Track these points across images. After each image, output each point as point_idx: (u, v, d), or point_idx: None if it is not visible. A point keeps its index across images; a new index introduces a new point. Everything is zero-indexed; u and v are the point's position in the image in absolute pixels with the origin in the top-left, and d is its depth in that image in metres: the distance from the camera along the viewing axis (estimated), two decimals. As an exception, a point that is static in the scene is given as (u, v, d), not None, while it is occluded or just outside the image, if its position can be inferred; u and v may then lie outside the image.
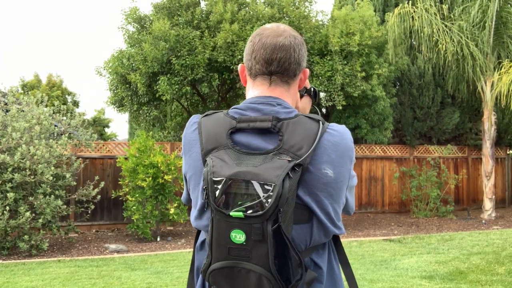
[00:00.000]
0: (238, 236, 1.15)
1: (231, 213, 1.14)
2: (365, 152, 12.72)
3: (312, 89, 1.56)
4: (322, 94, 10.74)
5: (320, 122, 1.26)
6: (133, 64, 10.43)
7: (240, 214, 1.13)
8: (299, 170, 1.18)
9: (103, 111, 28.05)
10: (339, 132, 1.29)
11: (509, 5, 11.27)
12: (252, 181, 1.13)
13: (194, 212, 1.34)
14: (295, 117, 1.27)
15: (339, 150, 1.27)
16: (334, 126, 1.30)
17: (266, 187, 1.12)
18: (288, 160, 1.18)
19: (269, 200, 1.11)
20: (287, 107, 1.32)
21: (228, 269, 1.18)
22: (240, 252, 1.16)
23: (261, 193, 1.12)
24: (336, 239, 1.39)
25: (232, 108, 1.35)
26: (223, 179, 1.15)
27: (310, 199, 1.23)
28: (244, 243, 1.14)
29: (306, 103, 1.53)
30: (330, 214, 1.26)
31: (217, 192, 1.16)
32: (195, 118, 1.38)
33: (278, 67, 1.33)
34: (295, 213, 1.18)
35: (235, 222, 1.14)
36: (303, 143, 1.21)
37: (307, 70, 1.43)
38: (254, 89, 1.38)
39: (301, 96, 1.53)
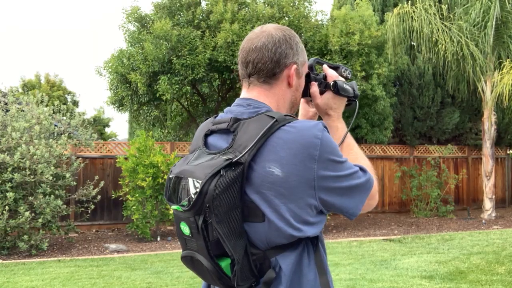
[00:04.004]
0: (185, 229, 1.24)
1: (172, 207, 1.26)
2: (365, 152, 12.72)
3: (333, 82, 1.45)
4: None
5: (274, 120, 1.23)
6: (134, 64, 10.43)
7: (178, 207, 1.23)
8: (236, 168, 1.19)
9: (102, 110, 28.04)
10: (298, 129, 1.23)
11: (509, 5, 11.26)
12: (188, 178, 1.21)
13: None
14: (255, 116, 1.27)
15: (293, 148, 1.21)
16: (296, 123, 1.25)
17: (195, 184, 1.18)
18: (225, 158, 1.20)
19: (195, 197, 1.17)
20: (257, 107, 1.32)
21: (188, 258, 1.29)
22: (191, 243, 1.25)
23: (192, 190, 1.19)
24: (315, 243, 1.30)
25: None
26: (173, 177, 1.27)
27: (257, 197, 1.22)
28: (190, 235, 1.23)
29: (328, 99, 1.47)
30: (283, 214, 1.21)
31: (169, 188, 1.27)
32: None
33: (252, 68, 1.35)
34: (246, 211, 1.22)
35: (180, 216, 1.24)
36: (249, 141, 1.22)
37: (294, 66, 1.36)
38: (242, 92, 1.43)
39: (321, 92, 1.47)
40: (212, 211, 1.16)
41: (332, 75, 1.48)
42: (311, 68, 1.49)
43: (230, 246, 1.19)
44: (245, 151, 1.20)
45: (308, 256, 1.28)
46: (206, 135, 1.35)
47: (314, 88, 1.47)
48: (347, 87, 1.47)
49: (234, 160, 1.19)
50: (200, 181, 1.17)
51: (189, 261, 1.29)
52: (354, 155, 1.41)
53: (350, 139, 1.45)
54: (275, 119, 1.23)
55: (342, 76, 1.54)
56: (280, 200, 1.21)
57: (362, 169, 1.33)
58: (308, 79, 1.47)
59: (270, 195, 1.21)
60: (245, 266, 1.23)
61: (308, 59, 1.48)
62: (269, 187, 1.21)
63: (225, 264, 1.23)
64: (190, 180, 1.20)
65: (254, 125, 1.25)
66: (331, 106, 1.47)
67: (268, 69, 1.34)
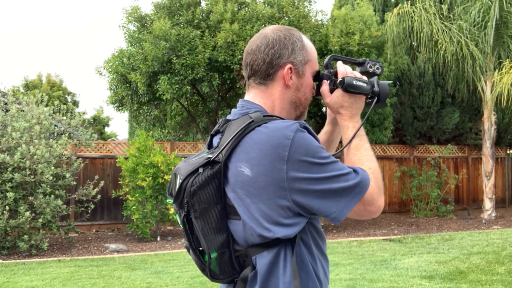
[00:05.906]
0: (178, 220, 1.32)
1: (168, 200, 1.36)
2: (365, 151, 12.71)
3: (340, 79, 1.38)
4: None
5: (251, 120, 1.26)
6: (134, 64, 10.42)
7: (169, 201, 1.33)
8: (213, 166, 1.25)
9: (101, 109, 28.01)
10: (270, 129, 1.23)
11: (509, 5, 11.26)
12: (177, 174, 1.30)
13: None
14: (241, 116, 1.32)
15: (263, 148, 1.21)
16: (272, 123, 1.24)
17: (179, 180, 1.27)
18: (206, 157, 1.28)
19: (176, 192, 1.26)
20: (249, 108, 1.36)
21: (188, 248, 1.35)
22: (186, 234, 1.32)
23: (177, 185, 1.28)
24: (293, 245, 1.26)
25: None
26: (173, 172, 1.35)
27: (233, 196, 1.26)
28: (183, 227, 1.32)
29: (338, 97, 1.40)
30: (253, 213, 1.22)
31: (171, 183, 1.35)
32: None
33: (250, 70, 1.39)
34: (228, 209, 1.27)
35: (175, 208, 1.32)
36: (227, 141, 1.28)
37: (288, 66, 1.35)
38: None
39: (332, 91, 1.42)
40: (191, 207, 1.24)
41: (343, 71, 1.41)
42: (326, 66, 1.45)
43: (206, 241, 1.26)
44: (220, 150, 1.26)
45: (284, 258, 1.25)
46: (212, 135, 1.42)
47: (324, 86, 1.44)
48: (359, 83, 1.37)
49: (211, 158, 1.26)
50: (182, 178, 1.25)
51: (189, 251, 1.36)
52: (359, 156, 1.36)
53: (360, 140, 1.40)
54: (251, 120, 1.27)
55: (367, 72, 1.45)
56: (251, 200, 1.23)
57: (356, 171, 1.26)
58: (318, 77, 1.43)
59: (242, 194, 1.24)
60: (225, 261, 1.28)
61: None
62: (241, 186, 1.24)
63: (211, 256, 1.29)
64: (178, 176, 1.28)
65: (235, 126, 1.29)
66: (342, 104, 1.41)
67: (262, 70, 1.37)
